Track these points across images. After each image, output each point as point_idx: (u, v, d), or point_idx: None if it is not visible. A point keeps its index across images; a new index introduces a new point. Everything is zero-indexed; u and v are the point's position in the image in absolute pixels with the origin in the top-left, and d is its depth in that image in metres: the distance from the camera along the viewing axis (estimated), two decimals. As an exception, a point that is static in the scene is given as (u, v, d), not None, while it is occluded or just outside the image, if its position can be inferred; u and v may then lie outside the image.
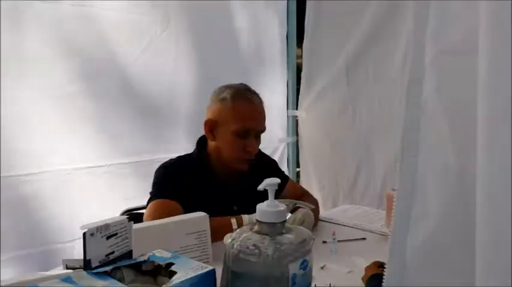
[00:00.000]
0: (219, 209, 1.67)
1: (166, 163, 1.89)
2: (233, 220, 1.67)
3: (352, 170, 3.20)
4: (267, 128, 1.88)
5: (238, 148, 1.80)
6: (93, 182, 2.48)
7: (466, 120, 0.55)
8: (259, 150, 2.01)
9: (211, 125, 1.83)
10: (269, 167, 2.05)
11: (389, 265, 0.61)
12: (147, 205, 1.78)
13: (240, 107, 1.79)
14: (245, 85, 1.89)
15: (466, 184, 0.56)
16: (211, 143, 1.87)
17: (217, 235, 1.45)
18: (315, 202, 2.01)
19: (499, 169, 0.50)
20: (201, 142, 1.92)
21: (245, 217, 1.69)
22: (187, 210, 1.66)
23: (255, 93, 1.85)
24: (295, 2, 3.47)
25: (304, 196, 2.08)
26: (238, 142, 1.79)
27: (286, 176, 2.19)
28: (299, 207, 1.79)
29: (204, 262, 1.19)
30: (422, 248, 0.60)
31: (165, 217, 1.58)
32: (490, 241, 0.51)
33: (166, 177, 1.82)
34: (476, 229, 0.52)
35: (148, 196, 1.81)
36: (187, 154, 1.94)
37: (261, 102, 1.86)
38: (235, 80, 1.93)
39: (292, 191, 2.02)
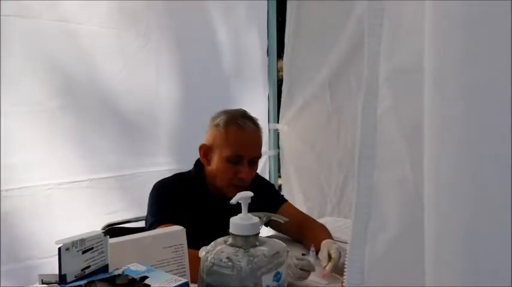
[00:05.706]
0: (211, 232, 1.64)
1: (164, 181, 1.86)
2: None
3: (339, 182, 3.19)
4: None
5: (230, 173, 1.77)
6: (74, 197, 2.47)
7: (420, 136, 0.57)
8: (257, 173, 1.99)
9: (205, 151, 1.83)
10: (266, 189, 2.03)
11: (349, 276, 0.63)
12: (149, 228, 1.71)
13: (232, 134, 1.77)
14: (243, 111, 1.86)
15: (421, 198, 0.58)
16: (207, 168, 1.86)
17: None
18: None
19: (441, 187, 0.53)
20: (199, 163, 1.89)
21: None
22: None
23: (250, 119, 1.83)
24: (275, 15, 3.50)
25: (306, 221, 1.99)
26: (230, 168, 1.77)
27: (285, 199, 2.10)
28: (274, 220, 1.76)
29: (181, 276, 1.21)
30: (381, 261, 0.62)
31: None
32: (436, 250, 0.53)
33: (166, 198, 1.79)
34: (425, 237, 0.54)
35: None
36: (184, 173, 1.92)
37: (256, 128, 1.82)
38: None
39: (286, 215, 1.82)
